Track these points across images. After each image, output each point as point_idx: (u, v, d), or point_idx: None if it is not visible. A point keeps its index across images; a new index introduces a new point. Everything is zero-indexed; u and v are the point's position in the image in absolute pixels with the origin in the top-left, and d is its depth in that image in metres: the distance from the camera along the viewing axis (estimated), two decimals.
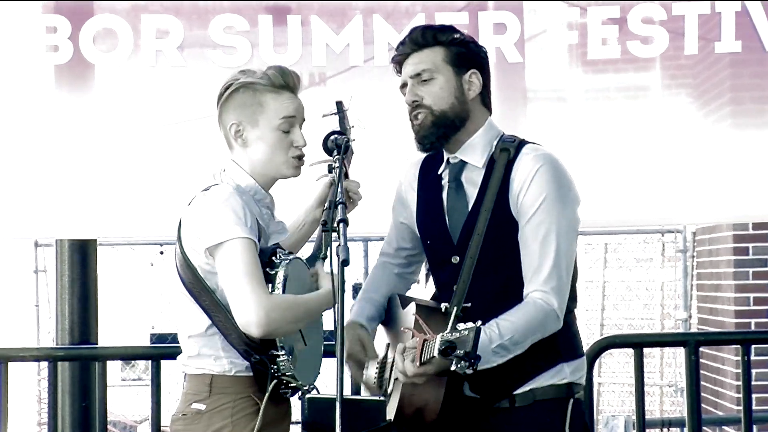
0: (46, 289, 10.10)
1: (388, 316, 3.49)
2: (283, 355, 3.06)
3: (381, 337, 3.48)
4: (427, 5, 4.78)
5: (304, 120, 3.24)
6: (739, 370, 4.85)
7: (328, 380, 3.10)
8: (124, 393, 10.77)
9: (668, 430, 7.18)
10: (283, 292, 3.08)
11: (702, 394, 5.03)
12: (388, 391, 3.28)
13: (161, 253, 9.01)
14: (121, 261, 10.14)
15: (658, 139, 4.78)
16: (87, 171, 4.77)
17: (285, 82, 3.19)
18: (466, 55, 3.31)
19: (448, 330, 2.88)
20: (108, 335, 5.58)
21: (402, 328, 3.21)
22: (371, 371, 3.35)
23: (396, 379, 3.19)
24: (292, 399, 3.23)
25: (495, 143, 3.30)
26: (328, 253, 2.97)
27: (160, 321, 10.07)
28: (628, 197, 4.77)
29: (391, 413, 3.19)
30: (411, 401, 3.14)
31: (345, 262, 2.87)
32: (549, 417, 3.23)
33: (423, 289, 3.55)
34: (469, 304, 3.17)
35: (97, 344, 5.03)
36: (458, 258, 3.25)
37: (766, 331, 7.42)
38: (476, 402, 3.22)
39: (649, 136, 4.78)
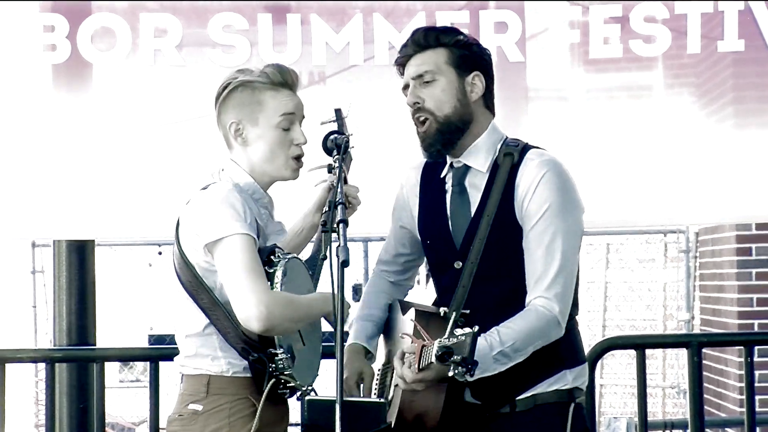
0: (43, 290, 10.07)
1: (388, 323, 3.48)
2: (281, 353, 3.05)
3: (382, 343, 3.48)
4: (428, 4, 4.76)
5: (303, 117, 3.23)
6: (743, 372, 4.83)
7: (328, 382, 3.08)
8: (122, 394, 10.76)
9: None
10: (282, 290, 3.08)
11: (705, 395, 5.02)
12: (389, 397, 3.27)
13: (159, 253, 9.01)
14: (119, 261, 10.14)
15: (660, 139, 4.76)
16: (85, 171, 4.75)
17: (283, 79, 3.19)
18: (469, 57, 3.30)
19: (445, 335, 2.86)
20: (106, 336, 5.58)
21: (401, 334, 3.20)
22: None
23: (396, 385, 3.19)
24: (290, 401, 3.22)
25: (499, 147, 3.28)
26: (327, 254, 2.96)
27: (158, 322, 10.07)
28: (630, 197, 4.76)
29: (392, 419, 3.18)
30: (411, 407, 3.14)
31: (345, 263, 2.86)
32: (550, 421, 3.22)
33: (424, 290, 3.53)
34: (468, 311, 3.17)
35: (94, 345, 5.03)
36: (460, 263, 3.24)
37: None
38: (477, 408, 3.21)
39: (651, 135, 4.77)
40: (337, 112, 3.33)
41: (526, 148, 3.28)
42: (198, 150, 4.60)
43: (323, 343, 3.31)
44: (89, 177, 4.75)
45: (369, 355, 3.41)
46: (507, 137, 3.33)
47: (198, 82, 4.68)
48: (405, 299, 3.51)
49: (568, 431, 3.23)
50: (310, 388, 3.16)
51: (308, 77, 4.75)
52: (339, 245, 2.89)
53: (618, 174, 4.75)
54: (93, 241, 5.06)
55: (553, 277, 3.15)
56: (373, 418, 3.14)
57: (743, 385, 4.83)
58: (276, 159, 3.18)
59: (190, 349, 3.14)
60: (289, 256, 3.15)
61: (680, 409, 10.38)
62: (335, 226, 2.97)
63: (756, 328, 7.68)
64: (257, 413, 3.06)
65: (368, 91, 4.73)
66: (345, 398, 2.84)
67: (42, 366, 5.66)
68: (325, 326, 3.29)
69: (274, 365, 3.07)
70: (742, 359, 4.81)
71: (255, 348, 3.07)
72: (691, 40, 4.71)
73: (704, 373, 4.85)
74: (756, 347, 4.99)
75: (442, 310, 3.17)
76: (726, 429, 7.82)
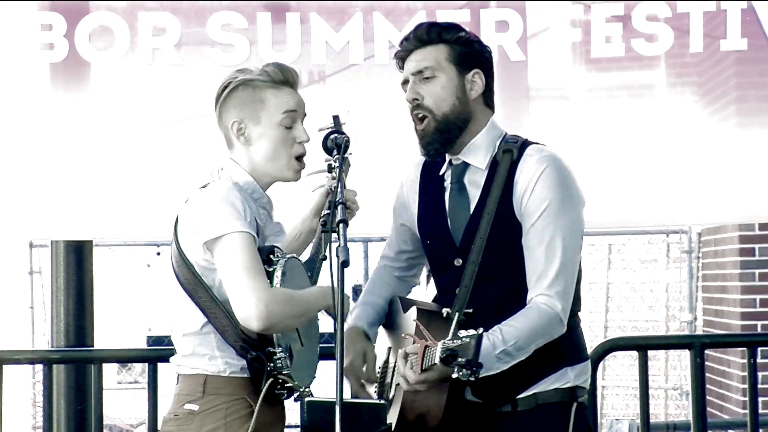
0: (41, 291, 10.08)
1: (389, 319, 3.47)
2: (280, 352, 3.04)
3: (382, 340, 3.46)
4: (428, 3, 4.75)
5: (305, 115, 3.23)
6: (746, 373, 4.85)
7: (328, 383, 3.09)
8: (121, 396, 10.76)
9: None
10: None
11: (707, 397, 5.03)
12: (390, 396, 3.26)
13: (158, 254, 9.02)
14: (117, 262, 10.14)
15: (662, 139, 4.75)
16: (83, 171, 4.74)
17: (284, 77, 3.18)
18: (470, 54, 3.29)
19: (449, 337, 2.86)
20: (104, 337, 5.57)
21: (403, 335, 3.19)
22: (370, 389, 3.34)
23: (397, 384, 3.17)
24: (287, 403, 3.20)
25: (498, 144, 3.27)
26: (327, 254, 2.94)
27: (157, 323, 10.08)
28: (632, 197, 4.75)
29: (393, 419, 3.18)
30: (413, 407, 3.13)
31: (345, 263, 2.86)
32: (552, 421, 3.21)
33: (424, 290, 3.53)
34: (471, 310, 3.15)
35: (92, 347, 5.00)
36: (460, 261, 3.23)
37: None
38: (478, 406, 3.20)
39: (653, 135, 4.76)
40: (335, 118, 3.32)
41: (525, 144, 3.27)
42: (197, 150, 4.59)
43: (323, 344, 3.31)
44: (87, 177, 4.74)
45: (369, 341, 3.40)
46: (506, 134, 3.32)
47: (197, 81, 4.67)
48: (407, 297, 3.50)
49: (571, 431, 3.21)
50: (307, 389, 3.15)
51: (308, 76, 4.74)
52: (339, 245, 2.89)
53: (620, 174, 4.74)
54: (91, 241, 5.04)
55: (555, 274, 3.14)
56: (373, 420, 3.13)
57: (746, 386, 4.80)
58: (278, 158, 3.18)
59: (187, 348, 3.13)
60: (288, 255, 3.14)
61: (682, 410, 10.38)
62: (335, 226, 2.96)
63: (759, 329, 7.68)
64: (254, 412, 3.04)
65: (368, 91, 4.73)
66: (345, 400, 2.83)
67: (39, 367, 5.66)
68: (325, 327, 3.26)
69: (272, 364, 3.05)
70: (745, 360, 4.79)
71: (254, 346, 3.05)
72: (694, 39, 4.71)
73: (707, 374, 4.87)
74: (759, 348, 5.03)
75: (444, 310, 3.16)
76: (729, 431, 7.80)
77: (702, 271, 9.76)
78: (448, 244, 3.27)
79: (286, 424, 3.23)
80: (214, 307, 3.07)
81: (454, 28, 3.33)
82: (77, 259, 4.96)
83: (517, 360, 3.10)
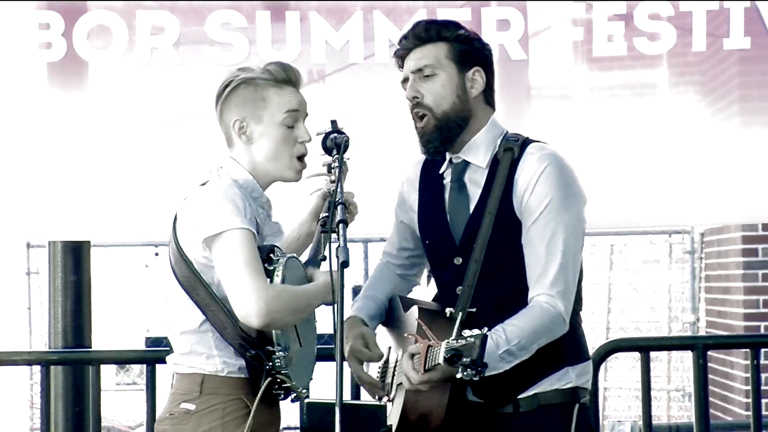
0: (38, 292, 10.08)
1: (388, 317, 3.45)
2: (279, 351, 3.03)
3: (382, 339, 3.44)
4: (429, 2, 4.74)
5: (307, 115, 3.22)
6: (749, 375, 4.81)
7: (328, 384, 3.05)
8: (119, 398, 10.74)
9: None
10: None
11: (710, 399, 5.02)
12: (391, 396, 3.25)
13: (156, 254, 9.03)
14: (115, 263, 10.14)
15: (664, 138, 4.74)
16: (80, 171, 4.73)
17: (287, 76, 3.18)
18: (470, 52, 3.28)
19: (453, 336, 2.84)
20: (102, 339, 5.56)
21: (405, 334, 3.18)
22: (372, 373, 3.33)
23: (399, 384, 3.16)
24: (284, 405, 3.20)
25: (498, 142, 3.26)
26: (327, 254, 2.94)
27: (155, 324, 10.08)
28: (635, 197, 4.74)
29: (394, 419, 3.17)
30: (415, 407, 3.12)
31: (344, 264, 2.86)
32: (554, 422, 3.20)
33: (425, 288, 3.52)
34: (474, 309, 3.14)
35: (90, 348, 4.99)
36: (460, 259, 3.21)
37: None
38: (480, 407, 3.19)
39: (655, 134, 4.74)
40: (333, 123, 3.30)
41: (526, 142, 3.26)
42: (195, 149, 4.59)
43: (323, 346, 3.32)
44: (85, 177, 4.72)
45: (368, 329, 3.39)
46: (507, 132, 3.30)
47: (195, 80, 4.67)
48: (407, 296, 3.49)
49: None
50: (304, 390, 3.14)
51: (307, 75, 4.73)
52: (339, 246, 2.88)
53: (622, 174, 4.73)
54: (89, 242, 5.03)
55: (556, 273, 3.13)
56: (374, 421, 3.13)
57: (749, 388, 4.78)
58: (280, 157, 3.17)
59: (184, 347, 3.11)
60: (289, 255, 3.13)
61: (685, 412, 10.38)
62: (335, 226, 2.95)
63: (762, 330, 7.70)
64: (252, 411, 3.03)
65: (368, 90, 4.72)
66: (345, 401, 2.83)
67: (37, 369, 5.67)
68: (325, 328, 3.24)
69: (271, 363, 3.04)
70: (748, 362, 4.79)
71: (253, 345, 3.05)
72: (697, 38, 4.70)
73: (710, 375, 4.88)
74: (762, 349, 5.05)
75: (448, 310, 3.15)
76: None
77: (705, 272, 9.76)
78: (448, 242, 3.26)
79: (286, 425, 3.23)
80: (212, 305, 3.06)
81: (454, 25, 3.32)
82: (75, 259, 4.96)
83: (520, 360, 3.09)
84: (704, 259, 9.80)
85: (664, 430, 6.83)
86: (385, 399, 3.29)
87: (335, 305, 2.87)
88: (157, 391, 4.60)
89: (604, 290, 11.34)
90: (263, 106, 3.15)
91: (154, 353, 4.80)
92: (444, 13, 4.66)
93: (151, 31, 4.72)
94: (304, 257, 3.32)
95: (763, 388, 4.86)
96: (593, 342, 9.07)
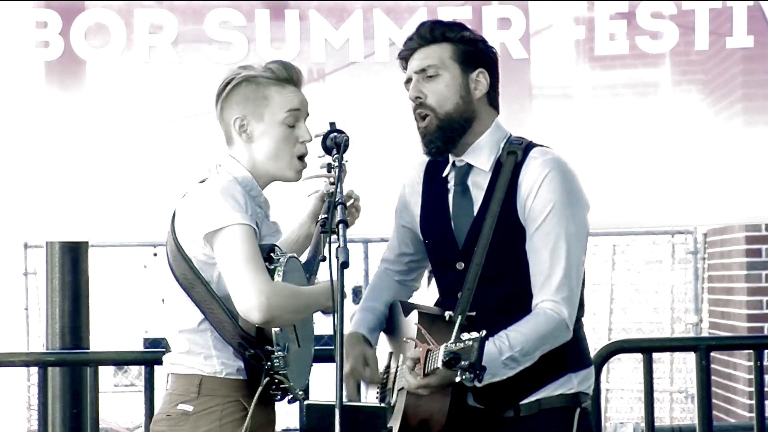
0: (36, 292, 10.09)
1: (389, 324, 3.44)
2: (278, 351, 3.02)
3: (383, 345, 3.44)
4: (429, 1, 4.73)
5: (308, 114, 3.20)
6: (752, 376, 4.81)
7: (328, 386, 3.03)
8: (117, 399, 10.72)
9: None
10: None
11: (713, 400, 5.01)
12: (392, 402, 3.24)
13: (155, 255, 9.02)
14: (113, 263, 10.13)
15: (667, 137, 4.73)
16: (78, 170, 4.72)
17: (288, 75, 3.16)
18: (475, 53, 3.26)
19: (452, 340, 2.83)
20: (100, 340, 5.55)
21: (405, 339, 3.17)
22: (371, 394, 3.33)
23: (400, 389, 3.16)
24: (290, 407, 3.20)
25: (502, 145, 3.25)
26: (327, 255, 2.92)
27: (153, 325, 10.06)
28: (637, 197, 4.73)
29: (395, 424, 3.15)
30: (416, 412, 3.11)
31: (344, 264, 2.84)
32: (555, 426, 3.19)
33: (425, 291, 3.52)
34: (474, 313, 3.13)
35: (88, 349, 5.00)
36: (463, 264, 3.20)
37: None
38: (481, 412, 3.18)
39: (658, 134, 4.73)
40: (332, 125, 3.27)
41: (529, 146, 3.24)
42: (194, 149, 4.58)
43: (323, 347, 3.30)
44: (83, 177, 4.72)
45: (369, 346, 3.37)
46: (511, 135, 3.29)
47: (194, 79, 4.66)
48: (407, 300, 3.47)
49: None
50: (301, 392, 3.13)
51: (307, 74, 4.66)
52: (339, 246, 2.87)
53: (624, 173, 4.72)
54: (86, 242, 5.04)
55: (560, 280, 3.12)
56: (374, 423, 3.11)
57: (752, 389, 4.79)
58: (280, 157, 3.15)
59: (183, 346, 3.10)
60: (289, 255, 3.12)
61: (688, 414, 10.39)
62: (335, 226, 2.93)
63: (766, 332, 7.70)
64: (249, 411, 3.02)
65: (368, 89, 4.72)
66: (345, 403, 2.82)
67: (34, 370, 5.67)
68: (325, 329, 3.21)
69: (269, 363, 3.03)
70: (752, 363, 4.78)
71: (252, 344, 3.03)
72: (699, 37, 4.69)
73: (713, 377, 4.87)
74: (766, 351, 4.99)
75: (447, 314, 3.13)
76: None
77: (708, 273, 9.75)
78: (451, 246, 3.25)
79: (285, 427, 3.20)
80: (211, 303, 3.04)
81: (459, 26, 3.30)
82: (72, 260, 4.97)
83: (524, 366, 3.08)
84: (707, 259, 9.80)
85: (667, 431, 6.83)
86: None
87: (335, 305, 2.85)
88: (155, 392, 4.58)
89: (606, 291, 11.34)
90: (264, 105, 3.13)
91: (153, 354, 4.77)
92: (444, 12, 4.65)
93: (149, 30, 4.72)
94: (303, 259, 3.31)
95: (766, 389, 4.83)
96: (595, 343, 9.06)
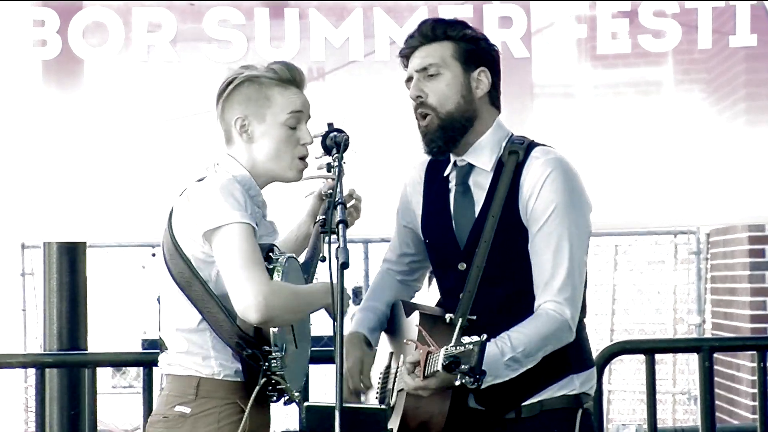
0: (33, 293, 10.12)
1: (391, 323, 3.43)
2: (275, 351, 3.00)
3: (383, 345, 3.43)
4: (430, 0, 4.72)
5: (309, 117, 3.19)
6: (755, 377, 4.86)
7: (327, 387, 3.03)
8: (115, 401, 10.75)
9: None
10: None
11: (716, 402, 5.01)
12: (391, 403, 3.24)
13: (153, 255, 9.00)
14: (111, 264, 10.15)
15: (670, 137, 4.72)
16: (76, 170, 4.70)
17: (291, 76, 3.16)
18: (476, 52, 3.25)
19: (452, 343, 2.82)
20: (98, 341, 5.54)
21: (405, 340, 3.15)
22: (374, 379, 3.31)
23: (399, 390, 3.15)
24: (290, 409, 3.19)
25: (504, 145, 3.24)
26: (326, 255, 2.90)
27: (152, 326, 10.07)
28: (639, 197, 4.71)
29: (395, 426, 3.15)
30: (415, 414, 3.11)
31: (344, 265, 2.83)
32: (557, 427, 3.18)
33: (426, 292, 3.50)
34: (474, 317, 3.12)
35: (86, 350, 4.99)
36: (465, 265, 3.19)
37: None
38: (481, 413, 3.17)
39: (660, 133, 4.72)
40: (330, 126, 3.25)
41: (531, 145, 3.23)
42: (193, 148, 4.56)
43: (323, 347, 3.26)
44: (80, 177, 4.70)
45: (369, 347, 3.37)
46: (512, 134, 3.28)
47: (193, 78, 4.65)
48: (409, 300, 3.46)
49: None
50: (297, 393, 3.12)
51: (307, 73, 4.63)
52: (338, 246, 2.85)
53: (626, 173, 4.71)
54: (84, 242, 5.01)
55: (563, 280, 3.12)
56: (374, 425, 3.09)
57: (756, 391, 4.80)
58: (281, 158, 3.15)
59: (181, 345, 3.08)
60: (288, 255, 3.11)
61: (691, 416, 10.39)
62: (335, 226, 2.92)
63: None
64: (247, 411, 3.01)
65: (368, 88, 4.70)
66: (345, 404, 2.81)
67: (32, 371, 5.66)
68: (324, 330, 3.20)
69: (267, 364, 3.02)
70: (755, 364, 4.77)
71: (250, 344, 3.02)
72: (702, 35, 4.68)
73: (716, 378, 4.87)
74: None
75: (448, 316, 3.13)
76: None
77: (710, 273, 9.75)
78: (453, 246, 3.24)
79: (285, 429, 3.18)
80: (208, 302, 3.03)
81: (460, 25, 3.29)
82: (70, 260, 4.94)
83: (526, 368, 3.07)
84: (710, 259, 9.80)
85: None
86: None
87: (335, 306, 2.83)
88: (153, 394, 4.58)
89: (608, 291, 11.35)
90: (266, 105, 3.12)
91: (151, 356, 4.73)
92: (445, 10, 4.63)
93: (147, 29, 4.70)
94: (301, 259, 3.29)
95: None
96: (597, 344, 9.04)
